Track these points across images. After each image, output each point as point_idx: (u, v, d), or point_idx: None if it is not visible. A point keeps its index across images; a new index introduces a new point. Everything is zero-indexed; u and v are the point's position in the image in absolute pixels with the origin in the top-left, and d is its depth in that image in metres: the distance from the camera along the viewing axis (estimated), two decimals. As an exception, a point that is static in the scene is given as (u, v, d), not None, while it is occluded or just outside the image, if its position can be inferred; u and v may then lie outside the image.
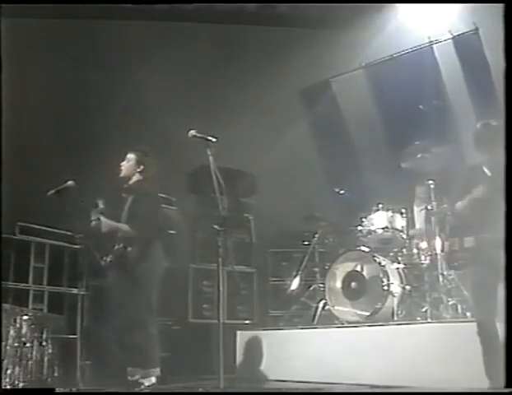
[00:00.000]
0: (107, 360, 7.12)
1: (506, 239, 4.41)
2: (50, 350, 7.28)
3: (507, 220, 4.43)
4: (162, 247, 6.72)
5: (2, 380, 6.04)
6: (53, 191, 6.47)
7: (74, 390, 6.44)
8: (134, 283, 6.28)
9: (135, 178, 6.67)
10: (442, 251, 7.49)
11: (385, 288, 7.48)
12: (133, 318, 6.23)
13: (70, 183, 6.52)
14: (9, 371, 6.38)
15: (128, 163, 6.71)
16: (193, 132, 5.62)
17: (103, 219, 6.31)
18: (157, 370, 6.29)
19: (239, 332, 8.41)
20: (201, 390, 6.05)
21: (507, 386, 4.22)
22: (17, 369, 6.54)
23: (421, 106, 8.39)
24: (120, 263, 6.38)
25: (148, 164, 6.70)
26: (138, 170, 6.67)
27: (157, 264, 6.54)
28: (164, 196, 8.78)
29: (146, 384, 6.15)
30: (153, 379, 6.22)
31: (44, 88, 8.35)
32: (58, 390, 6.15)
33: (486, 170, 5.40)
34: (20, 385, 6.50)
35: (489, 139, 5.35)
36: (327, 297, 8.03)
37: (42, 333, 7.22)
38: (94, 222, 6.33)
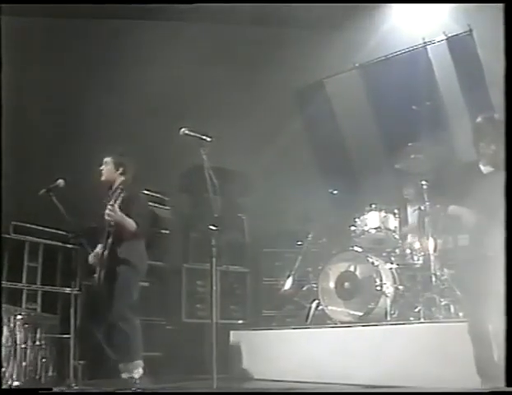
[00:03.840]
0: (99, 358, 7.13)
1: (507, 239, 4.41)
2: (44, 350, 7.28)
3: (507, 219, 4.43)
4: (152, 245, 6.77)
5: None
6: (43, 190, 6.48)
7: (72, 389, 6.42)
8: (117, 280, 6.37)
9: (118, 180, 6.69)
10: (435, 251, 7.54)
11: (378, 288, 7.49)
12: (116, 314, 6.27)
13: (60, 181, 6.54)
14: (3, 370, 6.38)
15: (107, 166, 6.74)
16: (184, 129, 5.52)
17: (117, 210, 6.28)
18: (141, 362, 6.31)
19: (232, 332, 8.41)
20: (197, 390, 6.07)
21: (507, 386, 4.24)
22: (11, 368, 6.54)
23: (414, 107, 8.40)
24: (108, 260, 6.42)
25: (126, 164, 6.74)
26: (119, 172, 6.71)
27: (141, 261, 6.60)
28: (158, 195, 8.81)
29: (137, 376, 6.19)
30: (141, 370, 6.25)
31: (38, 87, 8.36)
32: (55, 389, 6.16)
33: (482, 168, 5.41)
34: (15, 384, 6.50)
35: (490, 132, 5.32)
36: (320, 297, 8.03)
37: (36, 333, 7.22)
38: (108, 210, 6.28)
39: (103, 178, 6.75)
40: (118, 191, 6.34)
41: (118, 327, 6.26)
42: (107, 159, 6.75)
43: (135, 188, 6.71)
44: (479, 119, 5.52)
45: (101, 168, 6.76)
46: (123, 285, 6.37)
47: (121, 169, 6.71)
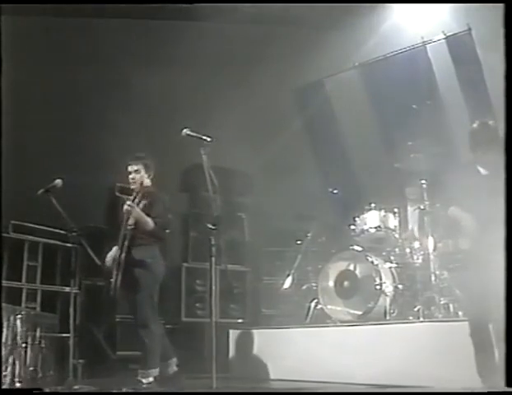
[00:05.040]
0: (101, 358, 7.13)
1: (506, 240, 4.41)
2: (44, 349, 7.28)
3: (507, 220, 4.43)
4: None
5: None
6: (42, 190, 6.47)
7: (71, 389, 6.41)
8: (138, 287, 6.36)
9: (145, 183, 6.67)
10: (434, 250, 7.53)
11: (378, 287, 7.49)
12: (138, 322, 6.34)
13: (58, 181, 6.53)
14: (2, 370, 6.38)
15: (138, 174, 6.68)
16: (186, 130, 5.61)
17: (136, 207, 6.30)
18: (157, 370, 6.33)
19: (231, 331, 8.41)
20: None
21: (507, 386, 4.24)
22: (10, 368, 6.54)
23: (414, 106, 8.40)
24: (125, 265, 6.40)
25: (153, 167, 6.75)
26: (147, 176, 6.70)
27: (158, 266, 6.62)
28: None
29: (144, 382, 6.19)
30: (151, 378, 6.25)
31: (37, 87, 8.37)
32: (47, 390, 6.15)
33: (480, 169, 5.42)
34: (15, 384, 6.49)
35: (486, 138, 5.34)
36: (319, 296, 8.04)
37: (35, 332, 7.22)
38: (126, 206, 6.30)
39: (135, 186, 6.68)
40: (141, 194, 6.32)
41: (137, 334, 6.34)
42: (137, 167, 6.69)
43: (158, 191, 6.70)
44: (474, 125, 5.54)
45: (131, 177, 6.70)
46: (144, 292, 6.38)
47: (150, 173, 6.72)
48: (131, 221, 6.39)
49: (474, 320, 5.28)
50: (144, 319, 6.32)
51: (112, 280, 6.42)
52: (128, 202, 6.31)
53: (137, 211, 6.32)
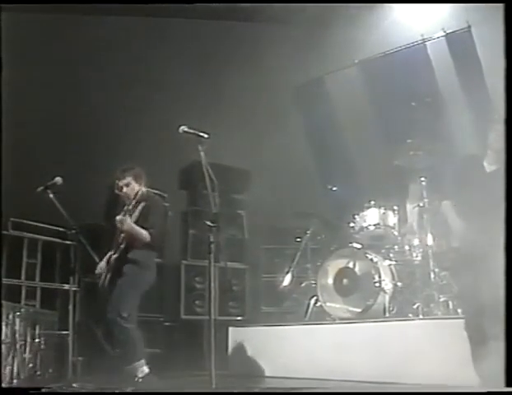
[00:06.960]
0: (100, 355, 7.12)
1: (506, 239, 4.41)
2: (43, 347, 7.28)
3: (507, 219, 4.43)
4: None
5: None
6: (41, 187, 6.46)
7: (70, 388, 6.40)
8: (119, 287, 6.36)
9: (139, 192, 6.66)
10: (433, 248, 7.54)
11: (377, 285, 7.49)
12: (109, 320, 6.28)
13: (57, 179, 6.52)
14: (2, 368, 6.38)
15: (130, 186, 6.67)
16: (184, 127, 5.58)
17: (128, 219, 6.29)
18: (141, 362, 6.27)
19: (230, 329, 8.41)
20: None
21: (507, 386, 4.24)
22: (10, 365, 6.53)
23: (413, 103, 8.40)
24: (116, 265, 6.42)
25: (142, 174, 6.76)
26: (138, 184, 6.69)
27: (148, 273, 6.59)
28: (156, 192, 8.81)
29: (140, 375, 6.17)
30: (146, 369, 6.24)
31: (35, 85, 8.37)
32: (44, 389, 6.14)
33: (485, 165, 5.41)
34: (14, 382, 6.49)
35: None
36: (318, 293, 8.03)
37: (35, 329, 7.22)
38: (119, 218, 6.31)
39: (129, 197, 6.65)
40: (134, 202, 6.32)
41: (112, 333, 6.32)
42: (127, 180, 6.68)
43: (154, 198, 6.71)
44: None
45: (124, 191, 6.67)
46: (122, 293, 6.34)
47: (140, 181, 6.71)
48: (123, 234, 6.42)
49: (469, 318, 5.29)
50: (115, 320, 6.21)
51: (101, 277, 6.46)
52: (119, 216, 6.32)
53: (129, 224, 6.30)
